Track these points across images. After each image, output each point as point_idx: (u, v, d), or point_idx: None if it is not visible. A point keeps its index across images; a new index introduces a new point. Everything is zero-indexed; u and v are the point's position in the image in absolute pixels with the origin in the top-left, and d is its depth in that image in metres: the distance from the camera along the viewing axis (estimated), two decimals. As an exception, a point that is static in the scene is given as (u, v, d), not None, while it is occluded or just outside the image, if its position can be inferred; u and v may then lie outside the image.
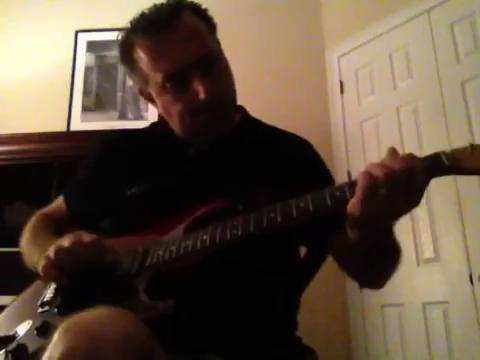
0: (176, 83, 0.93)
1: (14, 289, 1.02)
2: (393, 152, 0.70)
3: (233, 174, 0.95)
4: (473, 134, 2.08)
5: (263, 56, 2.78)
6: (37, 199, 2.47)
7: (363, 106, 2.60)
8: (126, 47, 0.99)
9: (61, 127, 2.76)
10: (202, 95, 0.91)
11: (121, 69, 2.90)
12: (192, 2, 0.99)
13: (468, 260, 2.00)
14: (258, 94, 2.50)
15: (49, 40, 2.98)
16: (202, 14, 0.99)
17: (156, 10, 0.94)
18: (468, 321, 1.96)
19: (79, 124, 2.80)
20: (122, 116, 2.84)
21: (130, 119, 2.83)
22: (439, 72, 2.26)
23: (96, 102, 2.87)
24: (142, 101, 2.84)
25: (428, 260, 2.13)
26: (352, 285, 2.30)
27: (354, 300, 2.39)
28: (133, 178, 0.99)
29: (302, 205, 0.73)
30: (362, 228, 0.73)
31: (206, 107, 0.93)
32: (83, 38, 2.96)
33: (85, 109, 2.84)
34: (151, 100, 1.03)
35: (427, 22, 2.35)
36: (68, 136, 2.71)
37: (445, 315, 2.05)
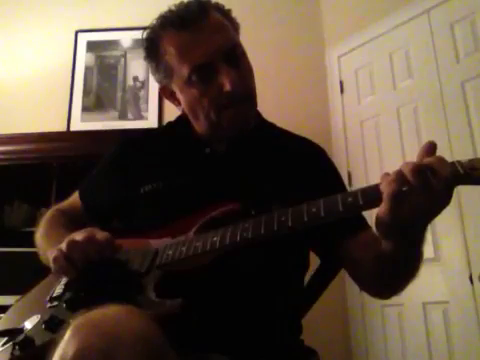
0: (202, 75, 0.92)
1: (14, 289, 1.01)
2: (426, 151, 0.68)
3: (247, 177, 0.95)
4: (473, 134, 2.08)
5: (263, 56, 2.77)
6: (37, 199, 2.48)
7: (363, 106, 2.60)
8: (152, 42, 0.98)
9: (61, 127, 2.76)
10: (228, 87, 0.90)
11: (121, 69, 2.90)
12: (216, 3, 1.00)
13: (468, 260, 2.00)
14: (258, 94, 2.49)
15: (49, 40, 2.98)
16: (227, 14, 1.01)
17: (185, 6, 0.95)
18: (468, 321, 1.96)
19: (79, 124, 2.80)
20: (122, 116, 2.84)
21: (130, 119, 2.83)
22: (439, 72, 2.25)
23: (96, 102, 2.87)
24: (142, 101, 2.84)
25: (428, 260, 2.12)
26: (352, 285, 2.29)
27: (354, 300, 2.38)
28: (147, 176, 0.99)
29: (314, 210, 0.72)
30: (395, 234, 0.72)
31: (231, 101, 0.92)
32: (83, 38, 2.96)
33: (85, 109, 2.84)
34: (173, 99, 1.02)
35: (427, 22, 2.34)
36: (68, 136, 2.71)
37: (445, 315, 2.05)
